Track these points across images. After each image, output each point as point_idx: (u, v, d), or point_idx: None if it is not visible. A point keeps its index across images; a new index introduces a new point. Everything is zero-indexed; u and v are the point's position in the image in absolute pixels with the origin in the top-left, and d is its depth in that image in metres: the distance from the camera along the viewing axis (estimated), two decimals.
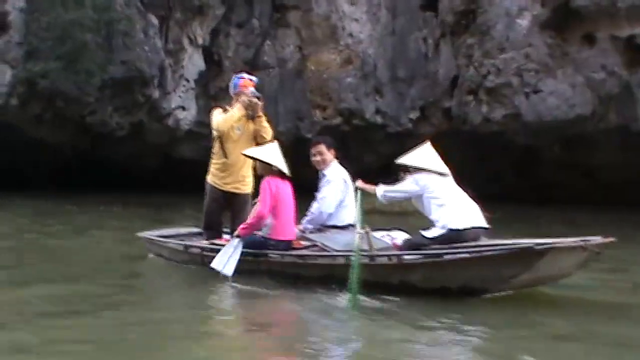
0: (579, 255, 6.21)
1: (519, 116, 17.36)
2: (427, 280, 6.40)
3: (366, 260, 6.49)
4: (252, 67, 21.33)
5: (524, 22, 17.26)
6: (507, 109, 17.47)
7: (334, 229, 7.57)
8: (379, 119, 20.04)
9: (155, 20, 20.04)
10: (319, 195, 7.64)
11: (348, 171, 7.69)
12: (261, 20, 21.42)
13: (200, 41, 20.82)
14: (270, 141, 7.98)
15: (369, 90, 20.00)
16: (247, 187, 8.16)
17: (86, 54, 18.03)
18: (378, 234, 7.10)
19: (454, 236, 6.54)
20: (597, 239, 6.23)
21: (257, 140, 8.06)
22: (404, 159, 7.03)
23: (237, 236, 7.35)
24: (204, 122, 21.58)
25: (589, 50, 16.88)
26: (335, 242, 7.19)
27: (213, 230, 8.20)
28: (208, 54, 21.39)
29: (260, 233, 7.49)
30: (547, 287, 6.61)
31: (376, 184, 7.13)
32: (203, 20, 20.69)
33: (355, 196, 7.02)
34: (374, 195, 7.07)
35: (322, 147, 7.72)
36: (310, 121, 20.77)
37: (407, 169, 6.97)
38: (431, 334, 5.43)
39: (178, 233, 9.00)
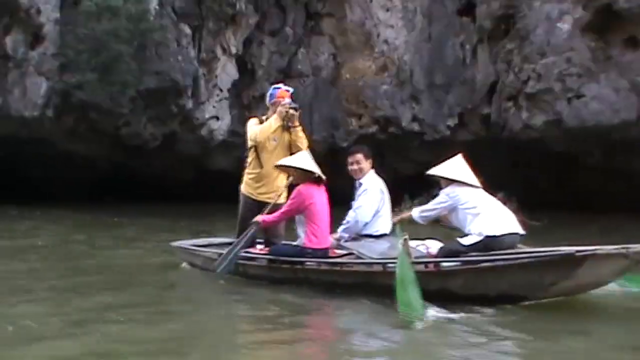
0: (620, 262, 6.18)
1: (560, 122, 16.94)
2: (466, 288, 6.50)
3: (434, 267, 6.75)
4: (285, 75, 21.26)
5: (564, 26, 16.85)
6: (548, 115, 17.05)
7: (369, 238, 7.69)
8: (415, 127, 19.73)
9: (188, 30, 19.96)
10: (355, 204, 7.76)
11: (384, 181, 7.83)
12: (295, 29, 21.25)
13: (233, 50, 20.69)
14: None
15: (405, 97, 19.71)
16: (281, 198, 8.20)
17: (120, 65, 17.96)
18: (413, 243, 7.07)
19: (490, 243, 6.65)
20: (638, 246, 6.14)
21: (292, 150, 8.21)
22: (435, 171, 7.20)
23: (256, 222, 7.65)
24: (237, 132, 21.48)
25: (633, 54, 16.45)
26: (372, 250, 7.32)
27: None
28: (241, 63, 21.26)
29: (296, 242, 7.72)
30: (587, 294, 6.63)
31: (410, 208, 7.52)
32: (236, 29, 20.56)
33: (395, 231, 7.27)
34: (412, 221, 7.27)
35: (360, 156, 7.86)
36: (345, 130, 20.53)
37: (439, 181, 7.17)
38: (478, 343, 5.43)
39: (211, 243, 9.19)
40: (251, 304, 7.02)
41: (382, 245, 7.42)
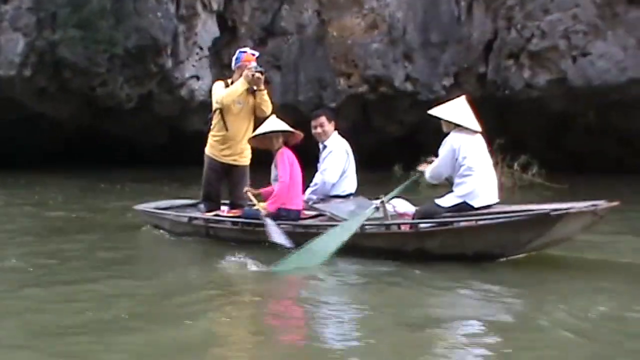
0: (588, 219, 6.66)
1: (564, 81, 16.76)
2: (444, 247, 6.87)
3: (382, 229, 7.16)
4: (268, 33, 20.64)
5: None
6: (553, 74, 16.86)
7: (337, 198, 8.01)
8: (408, 87, 19.30)
9: None
10: (322, 166, 8.07)
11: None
12: None
13: (214, 6, 19.94)
14: (269, 115, 8.42)
15: (397, 56, 19.24)
16: (246, 160, 8.62)
17: (102, 21, 17.10)
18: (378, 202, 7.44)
19: (466, 209, 6.92)
20: (605, 204, 6.64)
21: (257, 113, 8.56)
22: (439, 112, 7.25)
23: (267, 215, 7.61)
24: None
25: (638, 11, 16.34)
26: (341, 211, 7.66)
27: (212, 201, 8.67)
28: (221, 20, 20.52)
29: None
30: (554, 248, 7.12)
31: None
32: None
33: (412, 177, 7.60)
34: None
35: (323, 119, 8.15)
36: (333, 90, 19.98)
37: (442, 123, 7.26)
38: (454, 295, 5.90)
39: (172, 205, 9.43)
40: (222, 266, 7.09)
41: (350, 206, 7.76)
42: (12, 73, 17.22)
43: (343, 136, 8.37)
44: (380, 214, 7.27)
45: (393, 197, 7.38)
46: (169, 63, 19.33)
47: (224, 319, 5.31)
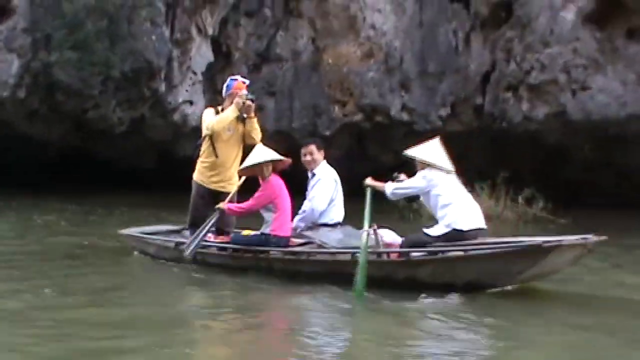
0: (578, 251, 6.83)
1: (563, 114, 16.81)
2: (434, 276, 6.97)
3: (373, 257, 7.17)
4: (263, 59, 20.55)
5: (568, 15, 16.68)
6: (552, 107, 16.89)
7: (325, 226, 8.12)
8: (405, 116, 19.27)
9: (162, 7, 18.96)
10: (310, 194, 8.20)
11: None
12: (274, 10, 20.48)
13: (210, 31, 19.80)
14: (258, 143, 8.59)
15: (394, 85, 19.22)
16: (233, 187, 8.59)
17: (98, 44, 16.91)
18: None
19: (457, 236, 7.09)
20: (594, 237, 6.81)
21: (247, 141, 8.69)
22: (413, 152, 7.57)
23: (219, 209, 8.06)
24: None
25: (637, 46, 16.43)
26: (330, 239, 7.79)
27: (198, 227, 8.50)
28: (215, 45, 20.39)
29: (261, 230, 8.07)
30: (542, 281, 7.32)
31: (385, 181, 7.67)
32: (214, 8, 19.65)
33: (365, 194, 7.52)
34: (382, 192, 7.59)
35: (313, 148, 8.32)
36: (328, 117, 19.89)
37: (415, 163, 7.56)
38: (439, 326, 5.93)
39: (158, 230, 9.48)
40: (210, 292, 7.24)
41: (338, 234, 7.90)
42: (5, 94, 16.94)
43: (332, 165, 8.54)
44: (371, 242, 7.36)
45: (370, 221, 7.34)
46: (163, 87, 19.13)
47: (218, 347, 5.38)
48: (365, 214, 7.30)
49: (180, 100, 19.69)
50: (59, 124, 20.01)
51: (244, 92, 8.53)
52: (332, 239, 7.80)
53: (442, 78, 18.89)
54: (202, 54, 19.93)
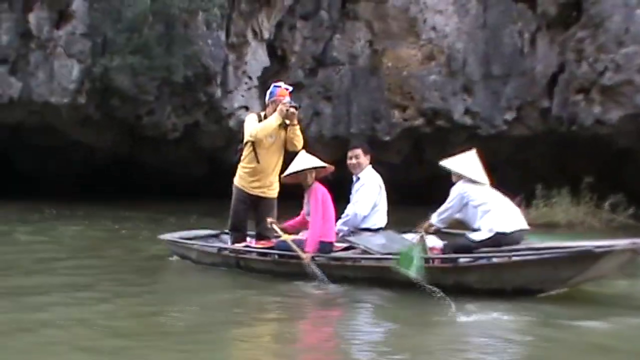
0: (628, 257, 6.77)
1: (638, 116, 16.29)
2: (482, 282, 6.96)
3: (440, 262, 7.22)
4: (319, 63, 20.21)
5: None
6: (627, 109, 16.37)
7: (367, 231, 8.13)
8: (468, 120, 18.87)
9: (218, 12, 18.67)
10: (354, 198, 8.20)
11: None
12: (330, 12, 20.14)
13: (265, 35, 19.50)
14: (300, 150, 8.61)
15: (457, 88, 18.83)
16: (274, 192, 8.75)
17: (158, 49, 16.65)
18: (409, 237, 7.91)
19: (501, 239, 7.12)
20: None
21: (288, 147, 8.71)
22: (448, 164, 7.66)
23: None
24: None
25: None
26: (373, 244, 7.80)
27: (239, 232, 8.79)
28: (270, 49, 20.08)
29: (306, 235, 7.99)
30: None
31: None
32: (270, 11, 19.37)
33: (418, 245, 7.40)
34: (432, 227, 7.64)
35: (359, 152, 8.32)
36: (387, 122, 19.50)
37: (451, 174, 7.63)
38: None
39: (197, 235, 9.59)
40: (255, 298, 7.23)
41: (381, 239, 7.91)
42: (66, 100, 16.71)
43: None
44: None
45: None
46: (219, 92, 18.86)
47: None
48: (415, 264, 7.01)
49: (236, 105, 19.41)
50: (110, 131, 19.82)
51: (287, 98, 8.56)
52: (374, 244, 7.81)
53: (507, 81, 18.47)
54: (257, 59, 19.63)
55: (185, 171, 22.39)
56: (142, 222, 14.56)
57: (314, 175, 8.10)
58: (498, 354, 5.21)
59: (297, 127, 8.67)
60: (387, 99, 19.53)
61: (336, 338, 5.88)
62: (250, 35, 19.38)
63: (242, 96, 19.54)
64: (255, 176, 8.64)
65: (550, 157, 19.76)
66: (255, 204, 8.71)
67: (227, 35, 19.11)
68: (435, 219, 7.59)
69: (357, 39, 20.17)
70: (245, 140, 8.72)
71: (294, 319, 6.48)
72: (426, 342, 5.59)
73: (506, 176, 21.21)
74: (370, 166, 8.39)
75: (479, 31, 18.71)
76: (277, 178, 8.71)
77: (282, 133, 8.61)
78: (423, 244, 7.48)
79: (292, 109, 8.44)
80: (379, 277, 7.33)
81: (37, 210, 15.88)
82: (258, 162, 8.58)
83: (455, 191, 7.44)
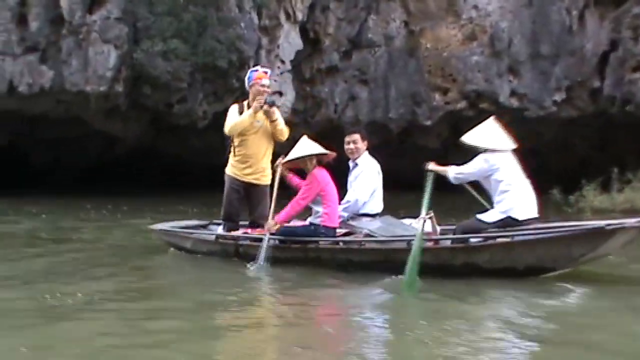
0: (632, 235, 6.74)
1: None
2: (493, 262, 6.92)
3: (430, 244, 7.13)
4: (354, 45, 19.68)
5: None
6: None
7: (366, 217, 8.09)
8: (514, 102, 18.43)
9: None
10: (354, 184, 8.16)
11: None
12: None
13: (299, 16, 18.93)
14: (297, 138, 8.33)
15: (502, 69, 18.37)
16: (267, 179, 8.55)
17: (199, 32, 16.05)
18: (407, 221, 7.89)
19: (512, 223, 7.06)
20: None
21: (275, 138, 8.57)
22: (471, 139, 7.42)
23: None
24: (297, 110, 19.81)
25: None
26: (374, 228, 7.76)
27: (232, 221, 8.62)
28: (302, 31, 19.52)
29: (310, 220, 7.98)
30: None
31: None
32: None
33: (427, 179, 7.30)
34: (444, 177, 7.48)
35: (357, 137, 8.23)
36: (429, 106, 19.02)
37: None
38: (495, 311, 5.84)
39: (187, 225, 9.40)
40: (257, 284, 7.21)
41: (380, 223, 7.90)
42: (102, 89, 16.03)
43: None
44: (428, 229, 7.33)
45: (428, 208, 7.21)
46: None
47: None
48: (424, 200, 7.13)
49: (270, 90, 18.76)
50: (136, 121, 19.19)
51: (266, 97, 8.40)
52: (376, 227, 7.80)
53: (556, 60, 18.06)
54: (290, 41, 19.08)
55: (208, 161, 21.82)
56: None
57: (314, 161, 7.96)
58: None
59: (278, 122, 8.47)
60: (427, 81, 19.05)
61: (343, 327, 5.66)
62: (283, 17, 18.79)
63: (275, 81, 18.89)
64: (247, 162, 8.50)
65: (597, 139, 19.43)
66: (248, 192, 8.57)
67: (259, 18, 18.51)
68: (452, 173, 7.45)
69: (392, 19, 19.65)
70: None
71: (299, 305, 6.24)
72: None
73: (549, 159, 21.03)
74: (367, 152, 8.31)
75: (525, 9, 18.25)
76: (269, 164, 8.58)
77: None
78: (432, 226, 7.35)
79: (266, 106, 8.32)
80: (385, 260, 7.29)
81: (78, 206, 15.25)
82: (247, 148, 8.45)
83: (482, 159, 7.29)
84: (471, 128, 7.25)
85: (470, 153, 7.32)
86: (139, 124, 19.44)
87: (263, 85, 8.42)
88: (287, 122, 18.81)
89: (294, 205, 7.88)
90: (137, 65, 16.28)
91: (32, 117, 18.85)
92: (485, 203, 7.41)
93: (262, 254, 7.66)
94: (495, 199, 7.17)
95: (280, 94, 19.02)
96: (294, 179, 8.26)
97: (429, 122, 18.84)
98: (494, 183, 7.19)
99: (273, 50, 18.88)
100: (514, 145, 7.37)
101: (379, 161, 8.26)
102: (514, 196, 7.09)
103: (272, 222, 7.87)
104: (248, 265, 7.66)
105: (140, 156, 22.58)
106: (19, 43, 16.16)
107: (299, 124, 19.74)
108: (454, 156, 15.07)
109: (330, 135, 20.19)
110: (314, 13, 19.59)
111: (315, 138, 8.21)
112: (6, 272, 7.47)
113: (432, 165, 7.50)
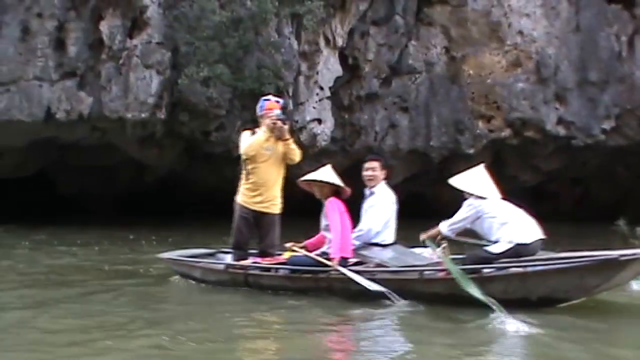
0: None
1: None
2: (507, 292, 6.86)
3: (442, 274, 7.23)
4: (394, 72, 19.36)
5: None
6: None
7: (377, 246, 8.06)
8: (561, 131, 18.06)
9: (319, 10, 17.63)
10: (369, 212, 8.13)
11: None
12: (406, 17, 19.30)
13: (339, 42, 18.63)
14: (300, 162, 8.73)
15: (549, 96, 18.03)
16: (277, 208, 8.59)
17: (242, 57, 15.76)
18: (417, 250, 7.97)
19: (521, 250, 7.13)
20: None
21: (287, 161, 8.60)
22: (457, 183, 7.56)
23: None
24: (336, 138, 19.45)
25: None
26: (386, 257, 7.77)
27: (241, 250, 8.61)
28: (340, 57, 19.19)
29: (323, 249, 7.97)
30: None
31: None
32: (344, 16, 18.50)
33: (432, 247, 7.60)
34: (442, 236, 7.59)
35: (377, 165, 8.25)
36: (472, 134, 18.67)
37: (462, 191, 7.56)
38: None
39: (194, 254, 9.37)
40: (271, 314, 7.10)
41: (392, 253, 7.89)
42: (144, 116, 15.71)
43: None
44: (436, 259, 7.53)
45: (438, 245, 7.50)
46: (290, 105, 17.91)
47: None
48: (450, 268, 7.13)
49: (308, 118, 18.37)
50: (171, 149, 18.85)
51: (276, 112, 8.46)
52: (387, 257, 7.81)
53: (605, 87, 17.71)
54: (329, 67, 18.72)
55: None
56: None
57: (325, 190, 8.00)
58: None
59: (290, 141, 8.53)
60: (471, 109, 18.70)
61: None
62: (322, 43, 18.47)
63: (314, 108, 18.58)
64: (257, 191, 8.50)
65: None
66: (258, 220, 8.55)
67: (298, 43, 18.21)
68: (445, 228, 7.59)
69: (433, 45, 19.35)
70: (242, 158, 8.64)
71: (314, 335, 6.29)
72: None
73: (592, 188, 20.67)
74: (384, 182, 8.33)
75: (572, 35, 17.98)
76: (279, 193, 8.63)
77: (279, 145, 8.51)
78: (445, 254, 7.44)
79: (279, 123, 8.35)
80: (396, 289, 7.18)
81: (120, 236, 14.87)
82: (257, 176, 8.47)
83: (469, 204, 7.45)
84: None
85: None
86: (173, 151, 19.11)
87: (271, 117, 8.39)
88: (325, 151, 18.71)
89: (335, 236, 7.75)
90: (175, 92, 15.99)
91: (62, 145, 18.59)
92: (483, 244, 7.46)
93: (365, 283, 7.40)
94: (496, 235, 7.29)
95: (320, 121, 18.66)
96: (310, 243, 8.29)
97: (472, 151, 18.48)
98: (487, 223, 7.36)
99: (312, 77, 18.54)
100: (499, 196, 7.50)
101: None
102: (514, 225, 7.23)
103: (335, 262, 7.65)
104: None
105: (171, 185, 22.33)
106: (57, 69, 15.86)
107: (336, 152, 19.41)
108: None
109: None
110: (353, 39, 19.27)
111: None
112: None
113: (423, 236, 7.73)
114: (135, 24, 15.77)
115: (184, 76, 15.21)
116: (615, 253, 6.81)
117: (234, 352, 5.63)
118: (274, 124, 8.34)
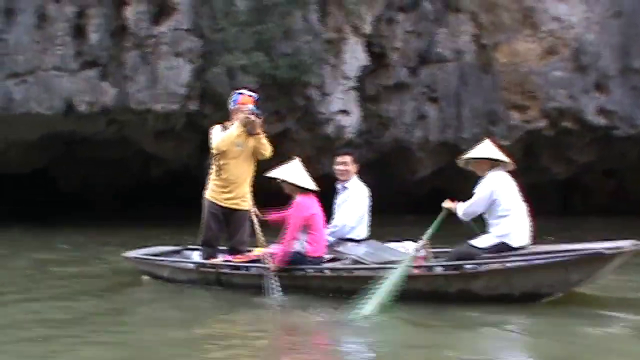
0: (625, 258, 6.91)
1: None
2: (489, 288, 6.99)
3: (417, 271, 7.26)
4: (423, 60, 18.68)
5: None
6: None
7: (352, 242, 8.19)
8: (602, 121, 17.52)
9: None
10: (342, 208, 8.28)
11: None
12: (434, 3, 18.61)
13: (366, 29, 17.89)
14: (271, 157, 8.64)
15: (588, 85, 17.47)
16: (246, 204, 8.63)
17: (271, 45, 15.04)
18: (391, 245, 8.04)
19: (504, 249, 7.23)
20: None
21: (257, 156, 8.62)
22: (465, 156, 7.80)
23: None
24: (361, 130, 18.73)
25: None
26: (361, 253, 7.81)
27: (211, 247, 8.70)
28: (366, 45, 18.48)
29: (296, 248, 7.80)
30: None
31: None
32: (372, 2, 17.78)
33: (441, 213, 7.57)
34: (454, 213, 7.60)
35: (349, 159, 8.37)
36: (506, 125, 18.05)
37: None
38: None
39: (161, 252, 9.34)
40: (243, 314, 7.19)
41: (366, 248, 7.93)
42: (175, 107, 14.90)
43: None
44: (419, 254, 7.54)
45: (429, 236, 7.47)
46: (316, 95, 17.18)
47: None
48: (430, 229, 7.41)
49: (334, 109, 17.63)
50: (188, 142, 18.07)
51: (249, 106, 8.44)
52: (363, 253, 7.83)
53: None
54: (356, 56, 17.98)
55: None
56: None
57: (292, 189, 7.85)
58: None
59: (262, 136, 8.53)
60: (505, 98, 18.07)
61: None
62: (348, 30, 17.74)
63: (340, 99, 17.86)
64: (227, 187, 8.54)
65: None
66: (228, 217, 8.61)
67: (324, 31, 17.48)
68: (460, 211, 7.56)
69: (462, 33, 18.68)
70: (212, 153, 8.64)
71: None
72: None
73: (627, 181, 20.15)
74: (356, 176, 8.42)
75: (613, 20, 17.45)
76: (249, 189, 8.67)
77: (251, 141, 8.52)
78: (443, 217, 7.53)
79: (252, 117, 8.33)
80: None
81: (151, 236, 14.14)
82: (227, 173, 8.49)
83: (486, 185, 7.44)
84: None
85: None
86: (190, 145, 18.34)
87: (244, 111, 8.36)
88: (349, 143, 17.95)
89: (285, 245, 7.68)
90: (202, 82, 15.24)
91: (70, 139, 17.81)
92: (476, 229, 7.44)
93: (273, 287, 7.57)
94: (492, 222, 7.38)
95: (346, 112, 17.92)
96: (273, 216, 8.22)
97: (507, 142, 17.82)
98: (494, 206, 7.35)
99: (338, 66, 17.80)
100: (505, 158, 7.62)
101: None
102: (511, 222, 7.28)
103: (273, 266, 7.70)
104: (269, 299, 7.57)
105: (180, 179, 21.58)
106: (76, 58, 15.01)
107: (361, 145, 18.68)
108: (528, 177, 14.20)
109: (395, 157, 19.27)
110: (380, 26, 18.55)
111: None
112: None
113: (446, 203, 7.66)
114: (163, 10, 14.96)
115: (220, 64, 14.40)
116: (599, 247, 6.89)
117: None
118: (247, 117, 8.29)
